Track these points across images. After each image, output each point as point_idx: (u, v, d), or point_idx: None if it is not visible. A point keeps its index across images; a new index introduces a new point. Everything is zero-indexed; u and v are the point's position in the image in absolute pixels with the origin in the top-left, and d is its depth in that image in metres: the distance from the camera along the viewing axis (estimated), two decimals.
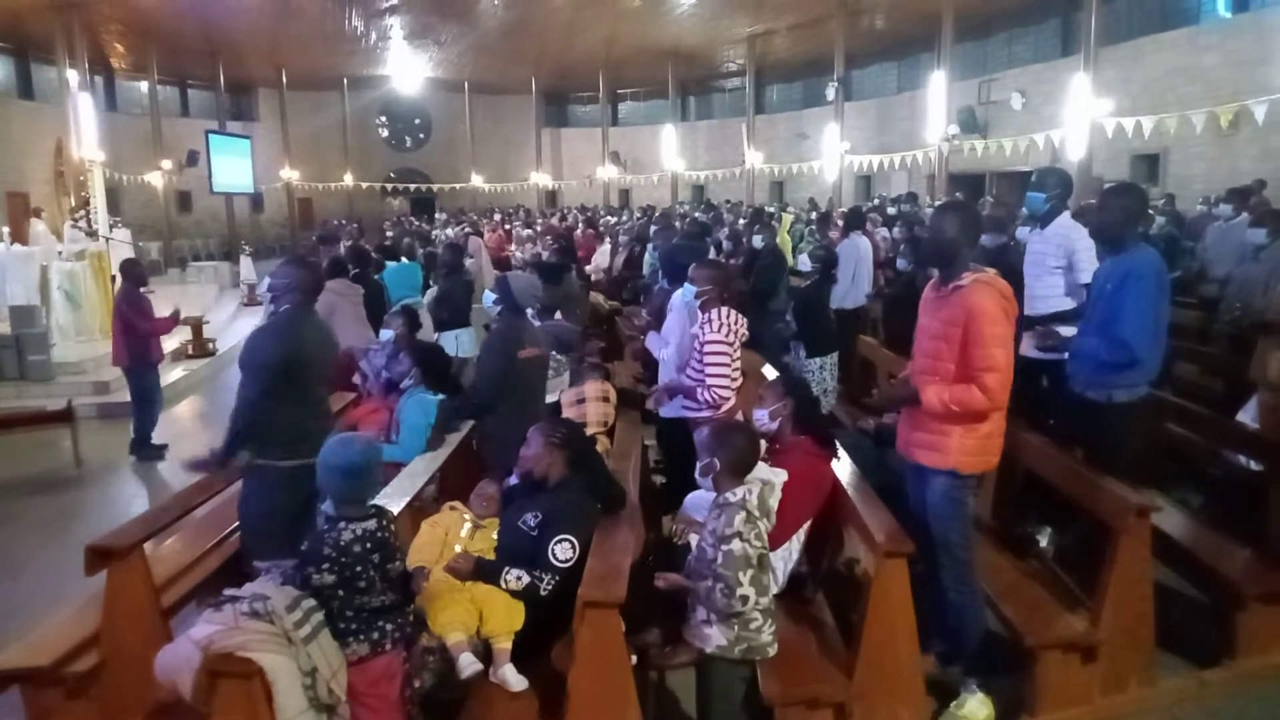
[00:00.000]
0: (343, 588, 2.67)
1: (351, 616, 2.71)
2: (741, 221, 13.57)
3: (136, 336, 7.37)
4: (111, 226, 16.44)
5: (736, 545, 2.91)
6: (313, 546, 2.69)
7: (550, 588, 3.18)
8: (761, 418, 3.72)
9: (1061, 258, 4.68)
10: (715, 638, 2.99)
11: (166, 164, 23.78)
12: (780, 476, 3.36)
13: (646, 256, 10.62)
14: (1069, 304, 4.68)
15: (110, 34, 21.79)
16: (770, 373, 5.24)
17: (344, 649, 2.69)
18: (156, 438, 7.67)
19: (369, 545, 2.70)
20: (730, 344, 4.44)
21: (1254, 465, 4.53)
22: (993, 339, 3.12)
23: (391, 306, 7.41)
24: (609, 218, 19.57)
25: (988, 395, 3.13)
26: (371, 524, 2.76)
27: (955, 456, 3.28)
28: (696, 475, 3.20)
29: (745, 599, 2.89)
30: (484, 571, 3.22)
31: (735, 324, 4.49)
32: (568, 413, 4.51)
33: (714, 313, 4.46)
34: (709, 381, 4.36)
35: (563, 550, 3.22)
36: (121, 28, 21.27)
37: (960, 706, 3.39)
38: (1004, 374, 3.14)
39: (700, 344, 4.41)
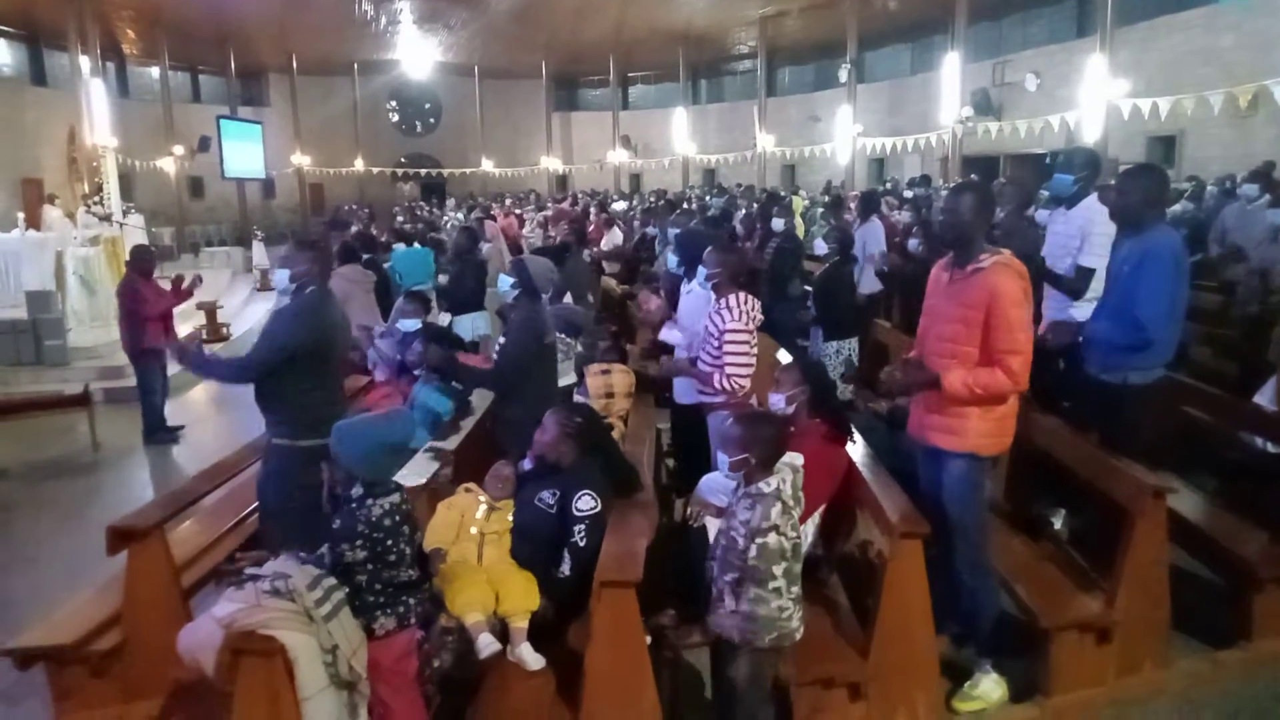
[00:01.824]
0: (373, 562, 2.70)
1: (380, 590, 2.74)
2: (755, 205, 13.49)
3: (134, 324, 7.32)
4: (125, 212, 16.54)
5: (773, 539, 2.80)
6: (345, 523, 2.71)
7: (585, 540, 3.23)
8: (778, 402, 3.70)
9: (1081, 240, 4.61)
10: (746, 628, 2.88)
11: (178, 150, 23.80)
12: (797, 460, 3.34)
13: (659, 238, 10.56)
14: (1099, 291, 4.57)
15: (121, 20, 21.82)
16: (785, 357, 5.21)
17: (372, 623, 2.72)
18: (172, 420, 7.74)
19: (397, 518, 2.74)
20: (749, 331, 4.40)
21: (1271, 448, 4.51)
22: (1017, 322, 3.12)
23: (399, 291, 7.42)
24: (620, 203, 19.50)
25: (1011, 378, 3.12)
26: (396, 497, 2.80)
27: (973, 439, 3.27)
28: (725, 471, 3.10)
29: (779, 591, 2.82)
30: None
31: (751, 309, 4.44)
32: (592, 383, 4.50)
33: (729, 299, 4.39)
34: (728, 370, 4.31)
35: (584, 503, 3.27)
36: (132, 14, 21.29)
37: (975, 687, 3.41)
38: (1026, 356, 3.14)
39: (719, 332, 4.34)
